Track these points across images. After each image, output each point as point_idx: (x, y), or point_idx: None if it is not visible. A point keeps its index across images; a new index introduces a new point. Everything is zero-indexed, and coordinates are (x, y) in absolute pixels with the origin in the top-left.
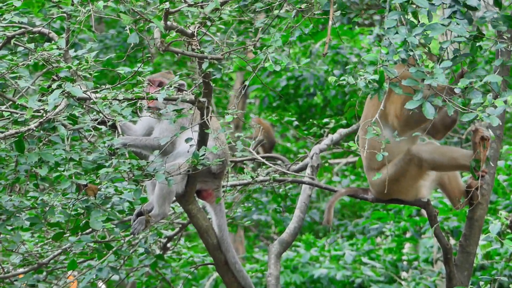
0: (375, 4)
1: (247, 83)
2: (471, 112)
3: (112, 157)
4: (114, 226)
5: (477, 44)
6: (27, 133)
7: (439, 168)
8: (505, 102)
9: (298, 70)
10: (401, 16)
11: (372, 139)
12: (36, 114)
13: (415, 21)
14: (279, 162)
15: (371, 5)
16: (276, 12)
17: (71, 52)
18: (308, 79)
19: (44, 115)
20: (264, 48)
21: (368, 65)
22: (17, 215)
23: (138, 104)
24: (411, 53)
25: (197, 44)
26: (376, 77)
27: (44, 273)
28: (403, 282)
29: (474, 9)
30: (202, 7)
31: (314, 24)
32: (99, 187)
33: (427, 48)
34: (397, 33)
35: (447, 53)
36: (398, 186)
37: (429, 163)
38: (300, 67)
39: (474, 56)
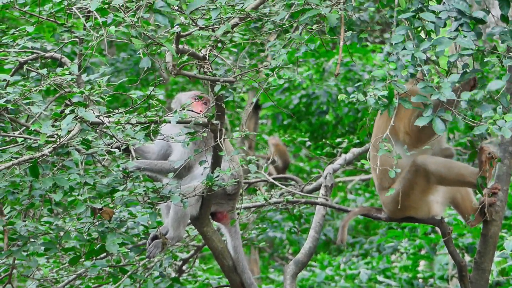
0: (385, 22)
1: (255, 99)
2: (482, 125)
3: (127, 180)
4: (129, 250)
5: (486, 59)
6: (41, 159)
7: (445, 182)
8: None
9: (311, 88)
10: (408, 31)
11: (383, 158)
12: (49, 139)
13: (423, 36)
14: (292, 182)
15: (381, 23)
16: (288, 35)
17: (84, 77)
18: (321, 96)
19: (58, 140)
20: (276, 69)
21: (377, 82)
22: (32, 240)
23: (151, 128)
24: (419, 68)
25: (209, 67)
26: (386, 93)
27: None
28: None
29: (481, 21)
30: (213, 30)
31: (325, 44)
32: (114, 210)
33: (436, 64)
34: (404, 48)
35: (456, 67)
36: (408, 201)
37: (435, 175)
38: (313, 84)
39: (484, 72)
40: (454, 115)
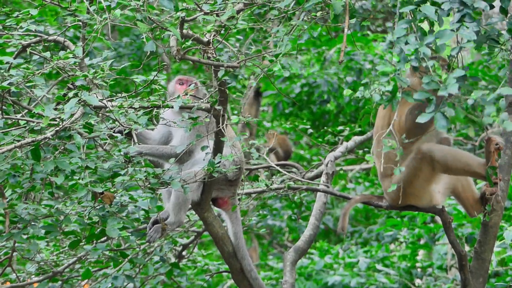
0: (387, 11)
1: (254, 83)
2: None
3: (128, 165)
4: (130, 234)
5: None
6: (43, 142)
7: (450, 171)
8: None
9: (312, 77)
10: (412, 23)
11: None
12: (52, 122)
13: (426, 28)
14: (294, 169)
15: (383, 12)
16: (293, 22)
17: (87, 61)
18: (322, 85)
19: (60, 123)
20: (280, 56)
21: (381, 76)
22: (33, 223)
23: (154, 113)
24: (424, 64)
25: (213, 52)
26: (390, 88)
27: (60, 282)
28: None
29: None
30: (218, 15)
31: (329, 32)
32: (115, 195)
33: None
34: (407, 42)
35: (461, 59)
36: (411, 189)
37: (441, 164)
38: (314, 73)
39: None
40: (456, 108)
